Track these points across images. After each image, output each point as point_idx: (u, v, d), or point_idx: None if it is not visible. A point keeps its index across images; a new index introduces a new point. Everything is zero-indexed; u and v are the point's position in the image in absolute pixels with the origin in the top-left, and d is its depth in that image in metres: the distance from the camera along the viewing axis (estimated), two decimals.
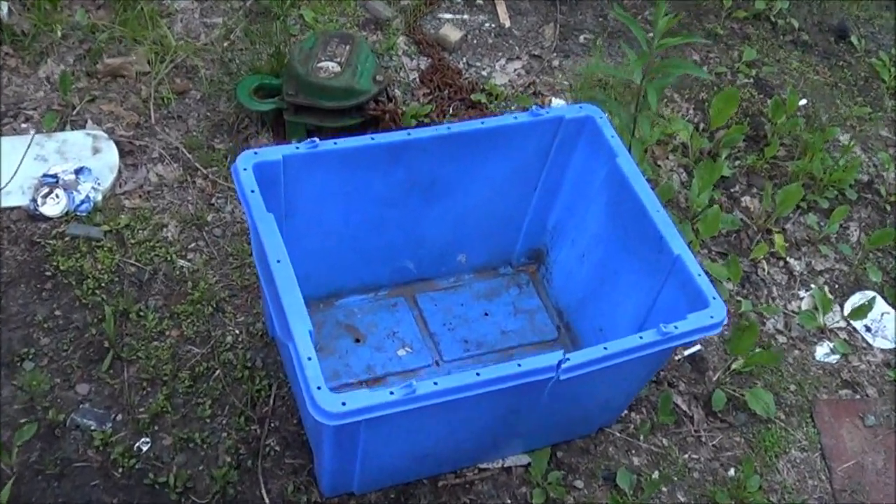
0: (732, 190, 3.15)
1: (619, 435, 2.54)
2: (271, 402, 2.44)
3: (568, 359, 2.02)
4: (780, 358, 2.67)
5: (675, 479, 2.49)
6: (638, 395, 2.58)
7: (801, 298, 2.95)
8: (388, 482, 2.38)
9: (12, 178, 2.72)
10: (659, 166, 3.13)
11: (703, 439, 2.58)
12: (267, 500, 2.28)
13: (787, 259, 3.01)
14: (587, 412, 2.47)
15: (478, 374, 1.97)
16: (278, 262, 2.06)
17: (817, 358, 2.81)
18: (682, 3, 3.71)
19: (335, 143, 2.31)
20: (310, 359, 1.91)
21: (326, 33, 2.96)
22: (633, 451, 2.52)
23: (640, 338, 2.08)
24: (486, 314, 2.70)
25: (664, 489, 2.46)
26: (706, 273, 2.18)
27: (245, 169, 2.19)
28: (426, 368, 2.58)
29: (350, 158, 2.34)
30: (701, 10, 3.73)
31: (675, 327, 2.08)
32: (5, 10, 3.07)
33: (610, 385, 2.31)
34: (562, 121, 2.44)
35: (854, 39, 3.77)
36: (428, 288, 2.74)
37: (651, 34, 2.64)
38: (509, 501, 2.38)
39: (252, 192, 2.16)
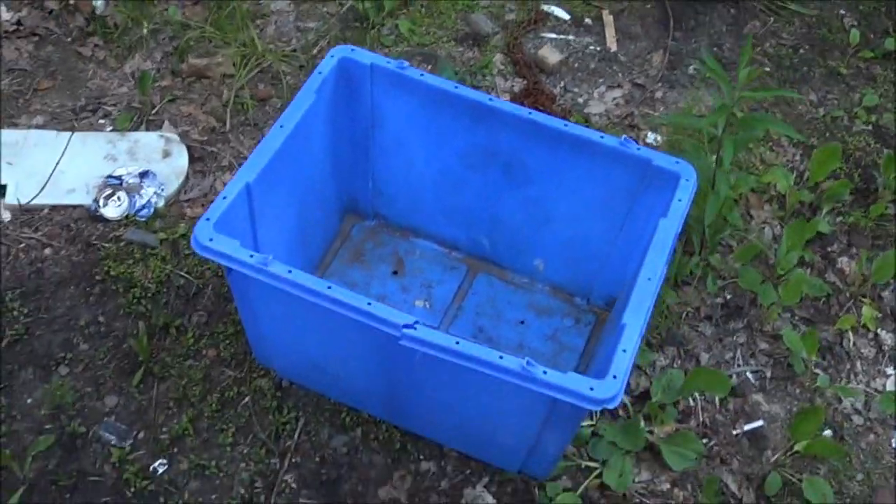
0: (830, 249, 2.92)
1: None
2: (296, 436, 2.38)
3: (415, 327, 1.95)
4: (843, 452, 2.46)
5: None
6: (686, 470, 2.42)
7: (889, 376, 2.72)
8: (297, 376, 2.48)
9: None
10: (751, 216, 2.93)
11: None
12: None
13: (878, 331, 2.78)
14: (477, 427, 2.30)
15: (329, 288, 1.99)
16: (281, 127, 2.24)
17: (894, 445, 2.59)
18: (806, 36, 3.47)
19: (421, 75, 2.40)
20: (225, 198, 2.10)
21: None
22: None
23: (500, 357, 1.93)
24: (523, 322, 2.61)
25: None
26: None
27: (332, 56, 2.39)
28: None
29: (433, 96, 2.41)
30: (826, 46, 3.48)
31: (545, 372, 1.91)
32: (101, 1, 3.09)
33: (485, 402, 2.15)
34: (649, 164, 2.30)
35: None
36: (497, 274, 2.72)
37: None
38: None
39: (320, 73, 2.35)
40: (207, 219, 2.06)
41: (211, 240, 2.03)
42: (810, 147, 3.13)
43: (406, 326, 1.97)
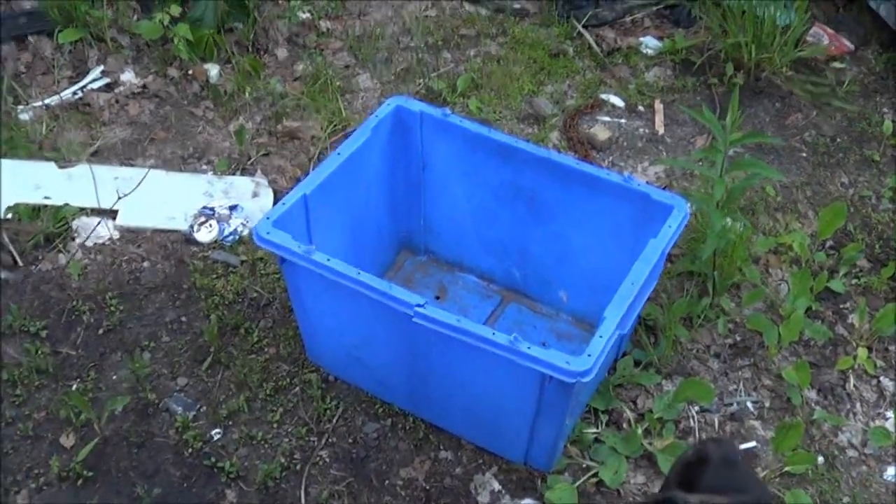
0: (842, 306, 3.19)
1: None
2: (334, 420, 2.76)
3: (424, 306, 2.35)
4: (812, 459, 2.69)
5: None
6: None
7: (888, 419, 2.94)
8: (341, 371, 2.84)
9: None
10: (770, 274, 3.23)
11: None
12: (303, 500, 2.59)
13: (881, 378, 3.01)
14: (483, 412, 2.60)
15: (358, 273, 2.41)
16: (338, 154, 2.72)
17: (884, 477, 2.79)
18: (846, 129, 3.80)
19: (461, 120, 2.87)
20: (284, 204, 2.59)
21: None
22: None
23: (493, 333, 2.30)
24: (543, 344, 2.89)
25: None
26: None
27: (388, 104, 2.88)
28: None
29: (470, 139, 2.85)
30: (865, 137, 3.79)
31: (528, 347, 2.26)
32: (215, 71, 3.67)
33: (486, 381, 2.47)
34: (648, 198, 2.66)
35: None
36: (527, 304, 3.08)
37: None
38: None
39: (376, 116, 2.83)
40: (268, 217, 2.52)
41: (268, 233, 2.48)
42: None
43: (418, 305, 2.36)
